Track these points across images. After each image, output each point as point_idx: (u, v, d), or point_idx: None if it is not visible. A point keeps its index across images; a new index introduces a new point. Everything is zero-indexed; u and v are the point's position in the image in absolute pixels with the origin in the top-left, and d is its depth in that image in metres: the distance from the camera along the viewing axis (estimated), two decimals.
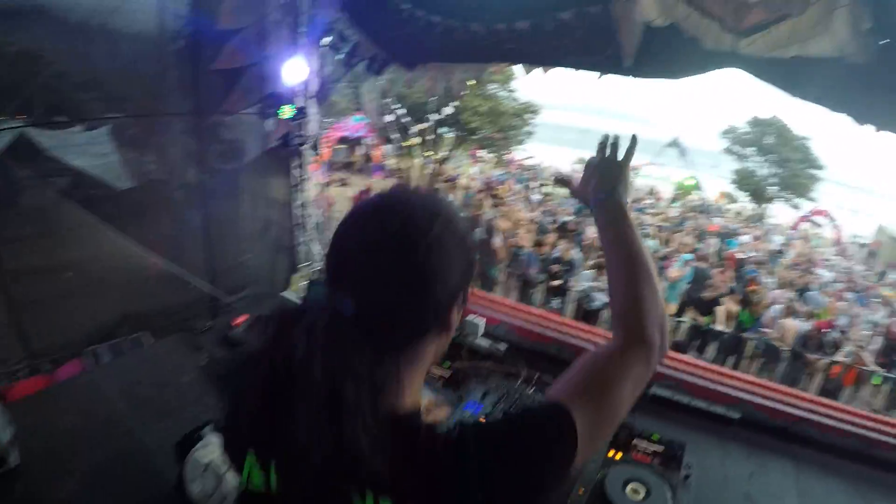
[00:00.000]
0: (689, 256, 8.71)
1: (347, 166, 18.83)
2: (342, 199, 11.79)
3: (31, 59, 3.76)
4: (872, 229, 22.57)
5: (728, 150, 25.69)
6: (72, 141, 4.04)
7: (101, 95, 4.23)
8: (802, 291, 8.61)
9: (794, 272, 9.50)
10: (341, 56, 4.48)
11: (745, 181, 24.86)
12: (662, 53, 3.19)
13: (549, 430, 0.80)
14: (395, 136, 15.28)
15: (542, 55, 3.67)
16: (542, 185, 16.04)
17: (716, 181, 25.35)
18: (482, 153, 19.97)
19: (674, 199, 21.02)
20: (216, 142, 4.92)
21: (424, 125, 13.61)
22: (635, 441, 2.08)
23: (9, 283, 3.66)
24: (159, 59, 4.45)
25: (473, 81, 14.82)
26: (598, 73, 3.51)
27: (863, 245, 21.48)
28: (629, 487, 1.84)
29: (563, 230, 9.70)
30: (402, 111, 12.22)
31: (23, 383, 3.39)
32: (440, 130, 16.81)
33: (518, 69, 3.95)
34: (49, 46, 3.79)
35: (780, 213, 24.05)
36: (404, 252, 0.79)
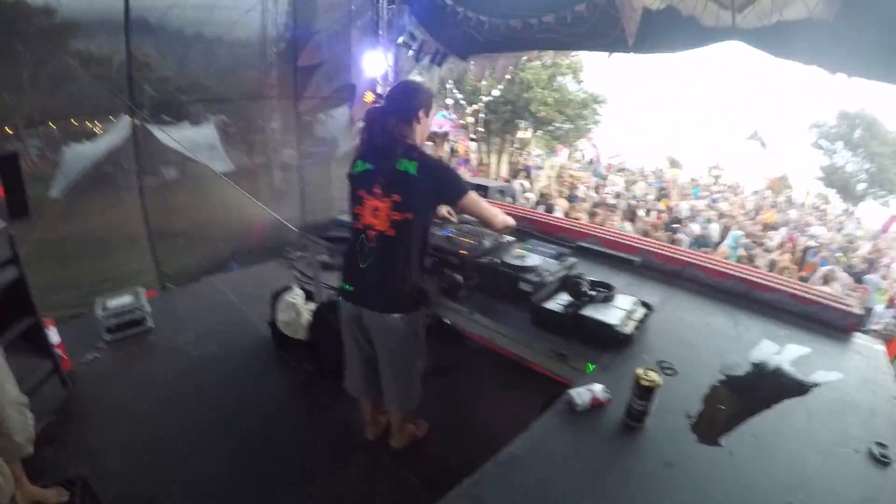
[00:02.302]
0: (738, 234, 9.03)
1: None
2: None
3: (139, 65, 4.45)
4: None
5: (816, 145, 24.05)
6: (183, 135, 4.81)
7: (201, 97, 5.05)
8: (860, 275, 8.72)
9: (858, 260, 9.53)
10: (411, 52, 5.34)
11: (833, 176, 23.30)
12: (662, 32, 3.72)
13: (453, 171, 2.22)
14: (474, 127, 16.21)
15: (564, 42, 4.26)
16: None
17: (804, 177, 24.23)
18: (563, 149, 20.24)
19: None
20: (309, 128, 5.97)
21: (477, 106, 14.38)
22: None
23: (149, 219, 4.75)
24: (260, 62, 5.42)
25: (543, 76, 15.55)
26: (607, 54, 4.08)
27: None
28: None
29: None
30: (459, 95, 13.36)
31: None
32: (518, 122, 17.28)
33: (588, 61, 4.59)
34: (154, 55, 4.59)
35: (872, 211, 22.67)
36: (405, 90, 2.21)
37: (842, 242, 11.30)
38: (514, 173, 15.40)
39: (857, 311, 2.65)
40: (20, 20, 3.77)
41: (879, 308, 7.51)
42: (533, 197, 10.58)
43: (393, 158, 2.05)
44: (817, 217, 15.12)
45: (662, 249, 3.33)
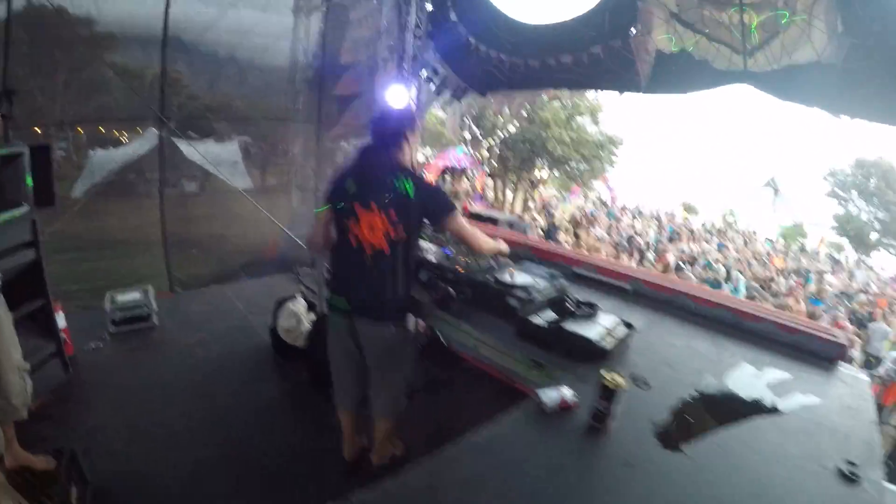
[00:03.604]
0: (742, 281, 9.13)
1: (451, 195, 19.95)
2: None
3: (170, 82, 4.62)
4: None
5: (831, 194, 24.14)
6: (207, 150, 4.99)
7: (228, 116, 5.26)
8: (863, 321, 8.74)
9: (865, 306, 9.55)
10: (433, 86, 5.57)
11: (847, 225, 23.26)
12: (674, 74, 3.84)
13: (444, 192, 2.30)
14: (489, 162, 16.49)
15: (581, 81, 4.46)
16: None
17: (817, 226, 24.17)
18: (578, 190, 20.45)
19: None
20: (331, 155, 6.21)
21: (491, 141, 14.65)
22: None
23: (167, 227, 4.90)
24: (289, 88, 5.65)
25: (562, 115, 15.83)
26: (619, 93, 4.26)
27: None
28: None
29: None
30: (477, 130, 13.67)
31: None
32: (536, 162, 17.53)
33: (606, 101, 4.76)
34: (186, 73, 4.79)
35: (885, 261, 22.47)
36: (391, 119, 2.26)
37: (853, 290, 11.31)
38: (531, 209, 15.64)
39: (843, 341, 2.75)
40: (61, 27, 3.96)
41: (886, 355, 7.49)
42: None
43: (392, 178, 2.23)
44: (830, 265, 15.07)
45: (654, 278, 3.47)
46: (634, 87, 4.07)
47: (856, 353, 7.45)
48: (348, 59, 5.72)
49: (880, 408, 6.60)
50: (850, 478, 1.61)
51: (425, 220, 2.37)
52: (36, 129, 4.11)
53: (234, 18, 4.75)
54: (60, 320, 3.31)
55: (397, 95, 5.45)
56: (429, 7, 5.38)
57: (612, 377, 1.64)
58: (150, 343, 3.95)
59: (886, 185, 22.14)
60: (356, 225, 2.26)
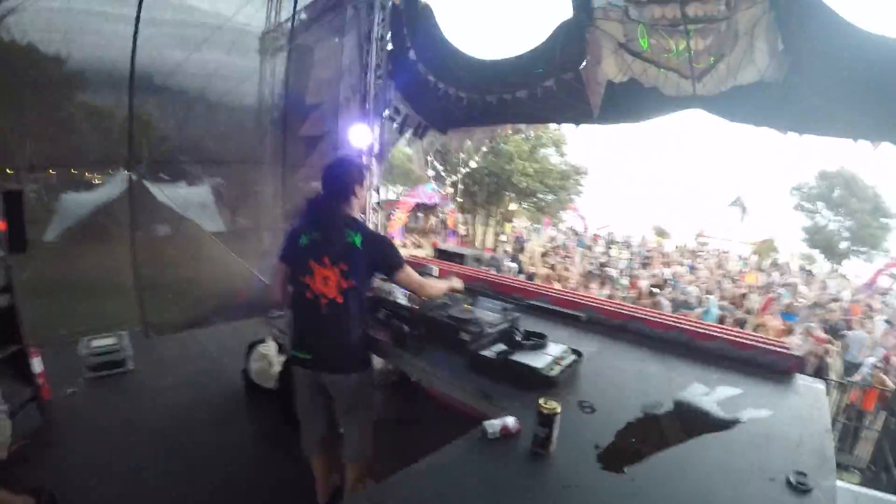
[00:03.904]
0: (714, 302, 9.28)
1: (423, 232, 20.13)
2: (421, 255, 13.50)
3: (141, 123, 4.66)
4: None
5: (798, 207, 24.87)
6: (178, 192, 5.05)
7: (198, 158, 5.27)
8: (838, 329, 8.90)
9: (836, 315, 9.72)
10: (396, 125, 5.71)
11: (816, 237, 23.99)
12: (625, 103, 3.97)
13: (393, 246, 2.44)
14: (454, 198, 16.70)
15: (537, 115, 4.62)
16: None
17: (788, 239, 24.67)
18: (548, 223, 20.74)
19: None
20: (300, 195, 6.22)
21: (456, 177, 14.88)
22: None
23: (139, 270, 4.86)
24: (256, 128, 5.73)
25: (524, 147, 16.13)
26: (574, 124, 4.40)
27: None
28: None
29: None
30: (440, 167, 13.89)
31: None
32: (503, 195, 17.77)
33: (569, 132, 4.87)
34: (156, 114, 4.84)
35: (856, 268, 22.97)
36: (339, 171, 2.38)
37: (825, 301, 11.49)
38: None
39: (797, 353, 2.83)
40: (31, 67, 4.01)
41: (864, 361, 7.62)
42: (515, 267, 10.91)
43: (340, 231, 2.31)
44: (803, 278, 15.31)
45: (606, 305, 3.55)
46: (588, 118, 4.19)
47: (832, 361, 7.58)
48: (313, 99, 5.81)
49: (861, 413, 6.73)
50: (799, 488, 1.64)
51: (375, 271, 2.47)
52: (7, 170, 4.13)
53: (199, 61, 4.80)
54: (37, 365, 3.37)
55: (360, 136, 5.55)
56: (389, 46, 5.52)
57: (547, 403, 1.69)
58: (125, 387, 4.05)
59: (850, 193, 22.86)
60: (311, 279, 2.35)
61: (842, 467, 5.94)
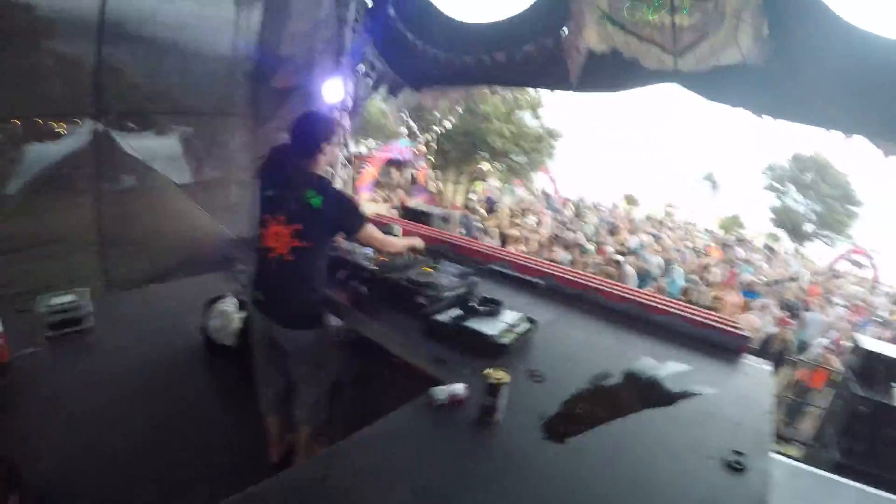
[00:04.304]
0: (681, 273, 9.45)
1: (393, 187, 20.01)
2: (382, 211, 13.42)
3: (111, 71, 4.41)
4: None
5: (770, 188, 25.47)
6: (146, 143, 4.86)
7: (169, 107, 5.08)
8: (795, 308, 9.18)
9: (792, 293, 10.02)
10: (371, 81, 5.58)
11: (783, 217, 24.64)
12: (604, 73, 3.95)
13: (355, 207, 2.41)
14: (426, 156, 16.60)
15: (514, 79, 4.60)
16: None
17: (755, 217, 25.26)
18: (520, 184, 20.77)
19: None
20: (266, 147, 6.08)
21: (431, 134, 14.76)
22: None
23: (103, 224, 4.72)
24: (229, 79, 5.51)
25: (502, 108, 16.02)
26: (551, 90, 4.39)
27: None
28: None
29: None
30: (413, 125, 13.74)
31: None
32: (476, 155, 17.70)
33: (547, 96, 4.81)
34: (127, 61, 4.52)
35: (819, 251, 23.70)
36: (308, 125, 2.34)
37: (784, 279, 11.81)
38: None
39: (747, 333, 2.90)
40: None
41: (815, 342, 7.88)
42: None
43: (300, 189, 2.26)
44: (766, 256, 15.66)
45: (566, 273, 3.59)
46: (566, 85, 4.14)
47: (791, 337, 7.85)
48: (287, 51, 5.64)
49: (807, 391, 7.01)
50: (735, 468, 1.70)
51: (336, 232, 2.45)
52: None
53: (173, 10, 4.59)
54: None
55: (333, 90, 5.44)
56: (368, 1, 5.37)
57: (495, 373, 1.71)
58: (86, 346, 3.95)
59: (822, 179, 23.44)
60: (266, 231, 2.32)
61: (785, 440, 6.23)
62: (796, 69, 3.17)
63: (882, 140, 3.15)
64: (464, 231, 9.63)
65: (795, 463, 3.12)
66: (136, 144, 4.74)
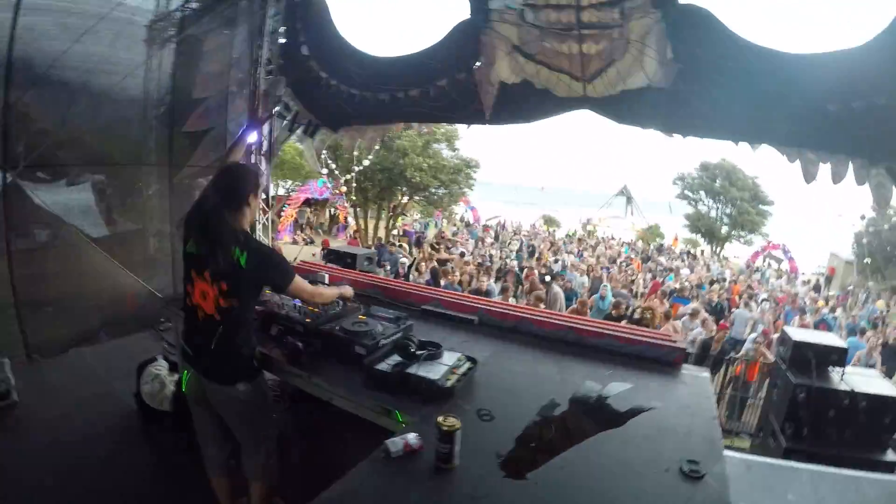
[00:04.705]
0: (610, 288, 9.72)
1: (313, 227, 19.85)
2: (306, 254, 13.31)
3: (19, 115, 4.17)
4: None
5: (681, 196, 26.79)
6: (57, 194, 4.61)
7: (81, 155, 4.82)
8: (721, 309, 9.64)
9: (716, 294, 10.53)
10: (286, 122, 5.48)
11: (698, 223, 25.95)
12: (517, 104, 4.04)
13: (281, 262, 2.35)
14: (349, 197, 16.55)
15: (429, 114, 4.58)
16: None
17: (673, 227, 26.56)
18: (439, 215, 21.03)
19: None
20: (187, 196, 5.84)
21: (349, 175, 14.74)
22: None
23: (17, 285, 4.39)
24: (141, 124, 5.30)
25: (418, 143, 16.17)
26: (466, 125, 4.43)
27: (822, 274, 22.35)
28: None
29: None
30: (333, 165, 13.64)
31: None
32: (395, 190, 17.78)
33: (461, 128, 4.80)
34: (35, 108, 4.30)
35: (737, 251, 25.18)
36: (233, 177, 2.27)
37: (702, 281, 12.40)
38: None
39: (682, 345, 2.97)
40: None
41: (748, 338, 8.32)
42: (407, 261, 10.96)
43: (226, 247, 2.16)
44: (688, 262, 16.39)
45: (497, 307, 3.60)
46: (480, 119, 4.25)
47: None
48: (200, 93, 5.47)
49: (746, 384, 7.32)
50: (692, 476, 1.72)
51: (263, 288, 2.36)
52: None
53: (83, 52, 4.36)
54: None
55: (249, 132, 5.33)
56: (281, 40, 5.31)
57: (446, 421, 1.68)
58: (12, 422, 3.63)
59: (730, 183, 24.93)
60: (192, 288, 2.22)
61: (733, 433, 6.50)
62: (702, 88, 3.35)
63: (785, 147, 3.35)
64: (388, 266, 9.62)
65: (748, 456, 3.22)
66: (48, 196, 4.48)
